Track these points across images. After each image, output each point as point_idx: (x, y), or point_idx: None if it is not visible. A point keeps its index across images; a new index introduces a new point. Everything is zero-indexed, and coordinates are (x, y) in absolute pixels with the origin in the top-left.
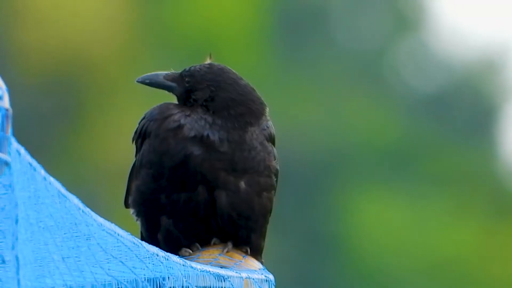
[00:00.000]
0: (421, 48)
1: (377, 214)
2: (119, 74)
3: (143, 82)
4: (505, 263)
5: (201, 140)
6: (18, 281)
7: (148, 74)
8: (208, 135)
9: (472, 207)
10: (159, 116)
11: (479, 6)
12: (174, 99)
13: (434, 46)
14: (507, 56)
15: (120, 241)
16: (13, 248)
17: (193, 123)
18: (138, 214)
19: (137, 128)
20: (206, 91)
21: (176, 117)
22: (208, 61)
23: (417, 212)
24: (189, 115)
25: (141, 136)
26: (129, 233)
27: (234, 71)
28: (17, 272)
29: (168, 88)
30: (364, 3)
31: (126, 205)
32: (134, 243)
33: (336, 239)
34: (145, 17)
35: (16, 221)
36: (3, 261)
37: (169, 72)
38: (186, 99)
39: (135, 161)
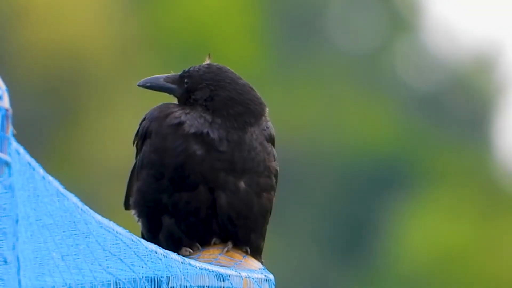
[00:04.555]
0: (417, 48)
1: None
2: (119, 74)
3: (143, 85)
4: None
5: (201, 137)
6: (19, 281)
7: (149, 77)
8: (208, 133)
9: (466, 205)
10: (159, 115)
11: (473, 6)
12: (173, 100)
13: (429, 45)
14: (502, 55)
15: (118, 239)
16: (13, 248)
17: (193, 120)
18: (140, 214)
19: (138, 130)
20: (206, 91)
21: (176, 114)
22: (207, 61)
23: (415, 211)
24: (189, 113)
25: (142, 137)
26: (127, 230)
27: (232, 71)
28: (18, 272)
29: (169, 90)
30: (360, 4)
31: (126, 207)
32: (132, 241)
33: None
34: (143, 19)
35: (17, 221)
36: (5, 262)
37: (169, 74)
38: (186, 99)
39: (135, 163)
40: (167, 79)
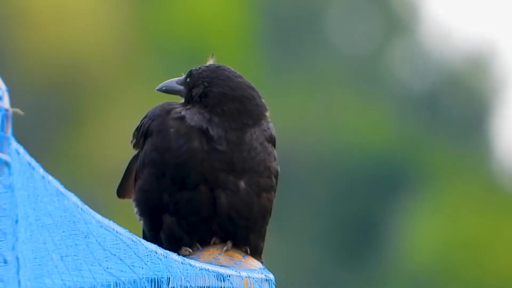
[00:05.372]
0: (414, 48)
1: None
2: (118, 75)
3: (160, 90)
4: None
5: (201, 132)
6: (19, 281)
7: (165, 82)
8: (207, 129)
9: (467, 204)
10: (160, 113)
11: (469, 6)
12: (180, 101)
13: (426, 46)
14: (498, 55)
15: (119, 239)
16: (13, 248)
17: (193, 115)
18: (141, 213)
19: (138, 125)
20: (200, 88)
21: (177, 110)
22: (210, 61)
23: (415, 210)
24: (189, 109)
25: (143, 136)
26: (127, 230)
27: (233, 70)
28: (18, 273)
29: (178, 92)
30: (357, 6)
31: (119, 194)
32: (132, 241)
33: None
34: (143, 21)
35: (16, 221)
36: (5, 262)
37: (180, 77)
38: (189, 99)
39: (134, 155)
40: (178, 82)
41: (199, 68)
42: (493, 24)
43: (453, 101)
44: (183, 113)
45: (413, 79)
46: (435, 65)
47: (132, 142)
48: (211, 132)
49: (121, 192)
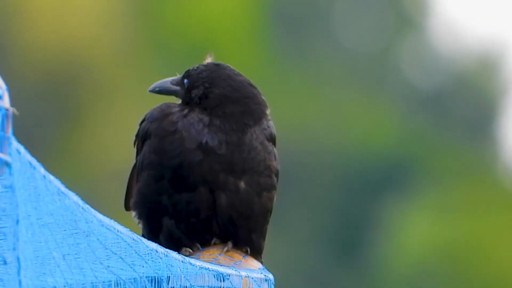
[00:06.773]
0: (422, 47)
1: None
2: (120, 74)
3: (153, 91)
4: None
5: (199, 146)
6: (20, 281)
7: (158, 82)
8: (206, 142)
9: (469, 204)
10: (158, 116)
11: (478, 6)
12: (173, 101)
13: (435, 45)
14: (506, 55)
15: (119, 237)
16: (14, 249)
17: (190, 127)
18: (140, 216)
19: (138, 130)
20: (200, 89)
21: (174, 117)
22: (208, 60)
23: (416, 210)
24: (186, 115)
25: (142, 138)
26: (128, 229)
27: (232, 68)
28: (18, 273)
29: (174, 93)
30: (366, 2)
31: (126, 207)
32: (133, 239)
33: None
34: (143, 17)
35: (17, 222)
36: (5, 262)
37: (175, 77)
38: (188, 100)
39: (135, 163)
40: (173, 82)
41: (197, 67)
42: (504, 23)
43: (461, 100)
44: (179, 125)
45: (420, 77)
46: (444, 64)
47: (134, 145)
48: (210, 143)
49: (129, 205)
